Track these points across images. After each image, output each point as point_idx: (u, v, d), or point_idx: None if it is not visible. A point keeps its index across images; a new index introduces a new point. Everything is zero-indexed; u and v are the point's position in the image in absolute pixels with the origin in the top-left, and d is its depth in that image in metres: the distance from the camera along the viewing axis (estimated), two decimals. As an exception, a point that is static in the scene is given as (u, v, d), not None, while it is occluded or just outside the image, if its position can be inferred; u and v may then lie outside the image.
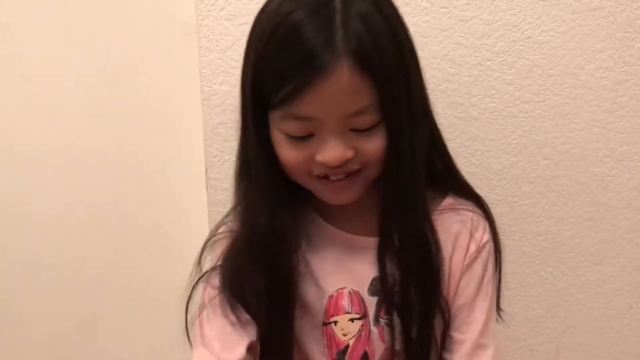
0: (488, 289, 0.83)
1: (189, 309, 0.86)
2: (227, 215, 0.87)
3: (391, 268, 0.79)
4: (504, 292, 0.96)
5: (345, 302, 0.82)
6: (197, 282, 0.84)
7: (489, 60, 0.99)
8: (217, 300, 0.81)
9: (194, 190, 1.04)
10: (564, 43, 0.99)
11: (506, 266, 1.00)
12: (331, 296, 0.82)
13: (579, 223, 1.03)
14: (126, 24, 1.03)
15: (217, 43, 1.01)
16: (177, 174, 1.06)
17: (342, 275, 0.82)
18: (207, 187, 1.04)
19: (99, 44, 1.04)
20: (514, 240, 1.03)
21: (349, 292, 0.82)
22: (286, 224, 0.78)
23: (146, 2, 1.03)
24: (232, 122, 1.02)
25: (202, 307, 0.84)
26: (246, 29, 0.99)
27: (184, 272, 1.07)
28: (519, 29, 0.99)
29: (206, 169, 1.04)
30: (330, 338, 0.83)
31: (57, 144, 1.06)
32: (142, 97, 1.04)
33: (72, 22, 1.04)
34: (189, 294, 0.85)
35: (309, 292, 0.81)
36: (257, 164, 0.77)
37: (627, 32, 0.98)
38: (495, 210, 0.92)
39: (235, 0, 1.00)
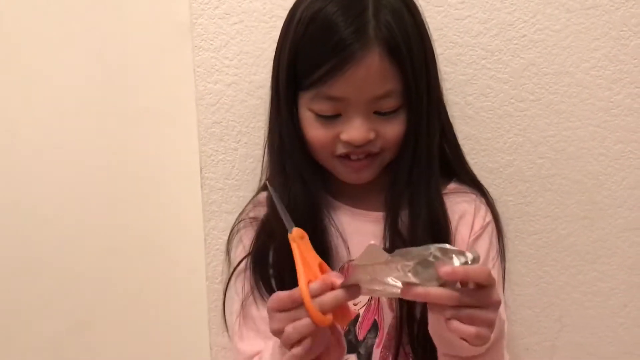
0: (493, 268, 0.86)
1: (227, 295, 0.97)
2: (248, 204, 0.95)
3: (397, 242, 0.84)
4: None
5: None
6: (233, 270, 0.93)
7: (484, 58, 0.99)
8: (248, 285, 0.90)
9: (189, 190, 1.04)
10: (559, 41, 0.99)
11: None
12: (341, 268, 0.87)
13: (574, 222, 1.03)
14: (120, 22, 1.03)
15: (211, 42, 1.01)
16: (171, 174, 1.05)
17: (351, 248, 0.87)
18: (201, 187, 1.04)
19: (93, 42, 1.03)
20: (509, 239, 1.02)
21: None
22: (317, 192, 0.86)
23: (140, 1, 1.02)
24: (226, 121, 1.02)
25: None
26: (240, 27, 1.00)
27: (179, 272, 1.07)
28: (514, 28, 0.99)
29: (201, 168, 1.04)
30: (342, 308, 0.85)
31: (50, 144, 1.06)
32: (136, 96, 1.04)
33: (65, 21, 1.03)
34: (226, 283, 0.95)
35: (330, 257, 0.86)
36: (291, 140, 0.85)
37: (621, 31, 0.98)
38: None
39: (230, -2, 1.00)
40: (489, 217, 0.89)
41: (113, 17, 1.03)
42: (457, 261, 0.65)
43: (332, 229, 0.87)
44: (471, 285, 0.66)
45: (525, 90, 1.00)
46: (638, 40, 0.98)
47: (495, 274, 0.87)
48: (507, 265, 1.02)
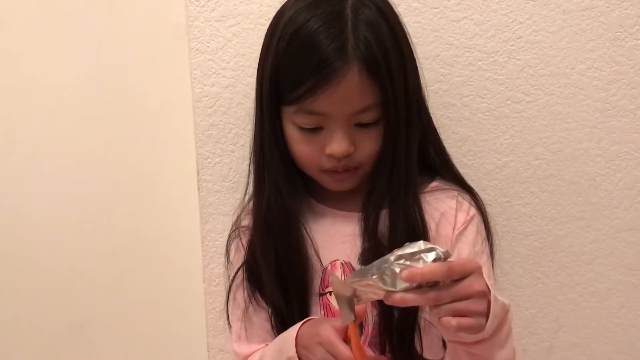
0: (482, 262, 0.86)
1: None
2: (242, 212, 0.97)
3: (377, 244, 0.86)
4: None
5: (338, 273, 0.89)
6: (233, 278, 0.95)
7: (480, 60, 0.99)
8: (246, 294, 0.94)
9: (186, 193, 1.04)
10: (554, 43, 0.99)
11: (499, 266, 1.01)
12: (325, 268, 0.90)
13: (571, 223, 1.03)
14: (116, 26, 1.03)
15: (207, 44, 1.01)
16: (168, 176, 1.05)
17: (334, 249, 0.90)
18: (198, 189, 1.04)
19: (89, 46, 1.03)
20: (506, 240, 1.03)
21: (342, 263, 0.90)
22: (294, 205, 0.89)
23: (136, 3, 1.02)
24: (223, 123, 1.02)
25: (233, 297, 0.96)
26: (237, 30, 1.00)
27: (176, 274, 1.08)
28: (510, 29, 0.99)
29: (197, 171, 1.04)
30: (327, 308, 0.90)
31: (47, 146, 1.06)
32: (132, 99, 1.04)
33: (62, 24, 1.03)
34: (228, 289, 0.97)
35: (310, 266, 0.90)
36: (272, 153, 0.87)
37: (617, 32, 0.98)
38: (487, 210, 0.94)
39: (226, 1, 1.00)
40: (473, 212, 0.89)
41: (109, 20, 1.03)
42: (426, 260, 0.67)
43: (308, 239, 0.89)
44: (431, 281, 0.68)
45: (521, 91, 1.00)
46: (634, 41, 0.98)
47: (485, 271, 0.87)
48: (503, 266, 1.03)
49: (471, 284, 0.68)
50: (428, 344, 0.87)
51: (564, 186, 1.02)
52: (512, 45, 0.99)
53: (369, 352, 0.87)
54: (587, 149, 1.01)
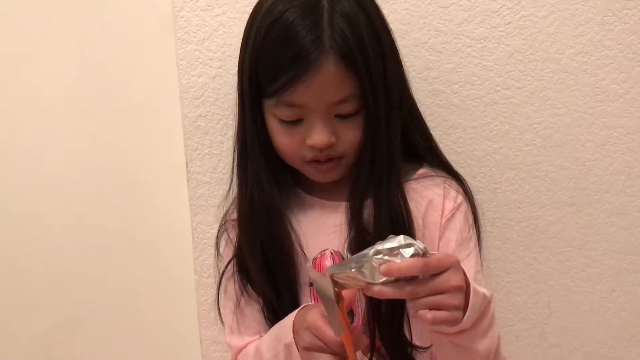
0: (470, 248, 0.89)
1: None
2: (230, 205, 0.97)
3: (363, 233, 0.86)
4: (488, 279, 0.97)
5: (328, 262, 0.90)
6: (223, 272, 0.95)
7: (469, 46, 0.99)
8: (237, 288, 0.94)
9: (175, 185, 1.03)
10: (543, 28, 0.98)
11: (490, 253, 1.01)
12: (315, 258, 0.90)
13: (561, 208, 1.03)
14: (101, 17, 1.02)
15: (194, 34, 1.00)
16: (157, 169, 1.05)
17: (323, 239, 0.90)
18: (188, 181, 1.03)
19: (75, 37, 1.02)
20: (497, 226, 1.03)
21: (331, 252, 0.90)
22: (277, 198, 0.89)
23: (121, -7, 1.01)
24: (211, 114, 1.02)
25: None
26: (223, 19, 1.00)
27: (167, 267, 1.07)
28: (499, 15, 0.98)
29: (186, 162, 1.03)
30: (317, 298, 0.88)
31: (33, 140, 1.05)
32: (119, 91, 1.03)
33: (47, 15, 1.02)
34: (218, 283, 0.97)
35: (296, 257, 0.90)
36: (253, 146, 0.88)
37: (606, 16, 0.98)
38: (478, 197, 0.95)
39: (212, -10, 0.99)
40: (460, 199, 0.90)
41: (95, 11, 1.02)
42: (404, 256, 0.68)
43: (292, 233, 0.90)
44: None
45: (510, 77, 1.00)
46: (622, 25, 0.98)
47: (473, 258, 0.89)
48: (494, 252, 1.03)
49: (448, 279, 0.70)
50: (418, 331, 0.87)
51: (555, 172, 1.02)
52: (501, 31, 0.99)
53: (360, 338, 0.87)
54: (577, 134, 1.01)
